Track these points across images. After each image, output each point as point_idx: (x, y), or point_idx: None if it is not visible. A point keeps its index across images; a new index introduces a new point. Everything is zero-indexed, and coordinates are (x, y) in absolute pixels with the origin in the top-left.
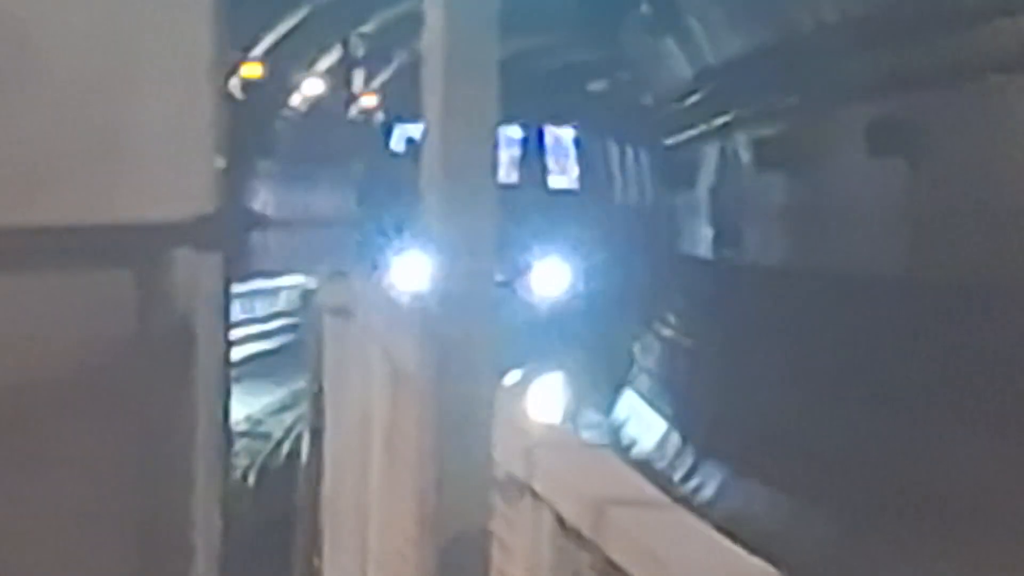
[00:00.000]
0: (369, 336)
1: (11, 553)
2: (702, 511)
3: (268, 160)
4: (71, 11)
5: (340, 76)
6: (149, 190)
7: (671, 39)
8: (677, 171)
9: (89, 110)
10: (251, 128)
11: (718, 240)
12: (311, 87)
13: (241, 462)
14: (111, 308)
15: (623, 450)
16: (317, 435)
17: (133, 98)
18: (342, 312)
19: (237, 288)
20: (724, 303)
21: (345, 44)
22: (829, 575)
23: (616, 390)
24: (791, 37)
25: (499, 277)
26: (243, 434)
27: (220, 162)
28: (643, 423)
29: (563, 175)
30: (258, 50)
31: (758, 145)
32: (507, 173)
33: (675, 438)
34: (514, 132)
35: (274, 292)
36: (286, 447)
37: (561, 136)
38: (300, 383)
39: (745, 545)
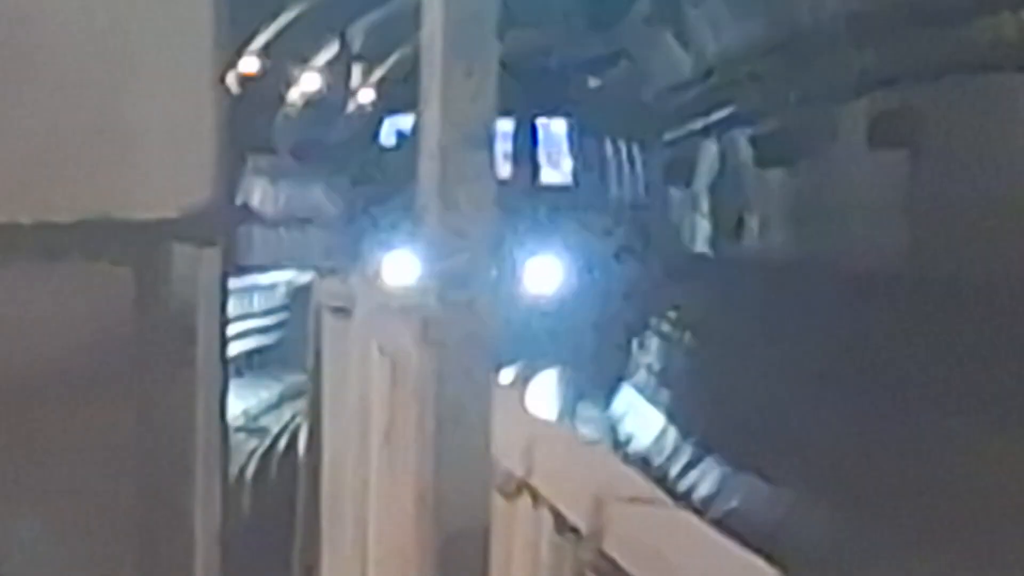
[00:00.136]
0: (367, 333)
1: (8, 548)
2: (700, 507)
3: (265, 155)
4: (67, 7)
5: (338, 71)
6: (147, 185)
7: (671, 33)
8: (676, 166)
9: (87, 105)
10: (248, 123)
11: (717, 235)
12: (309, 82)
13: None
14: (109, 303)
15: (620, 445)
16: (315, 431)
17: (131, 93)
18: (340, 309)
19: (235, 283)
20: (723, 298)
21: (343, 39)
22: (828, 573)
23: (614, 386)
24: (791, 31)
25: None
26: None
27: (219, 157)
28: (641, 418)
29: (555, 170)
30: (256, 45)
31: (758, 139)
32: (498, 168)
33: (673, 433)
34: (504, 125)
35: (270, 288)
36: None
37: (553, 130)
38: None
39: (743, 542)
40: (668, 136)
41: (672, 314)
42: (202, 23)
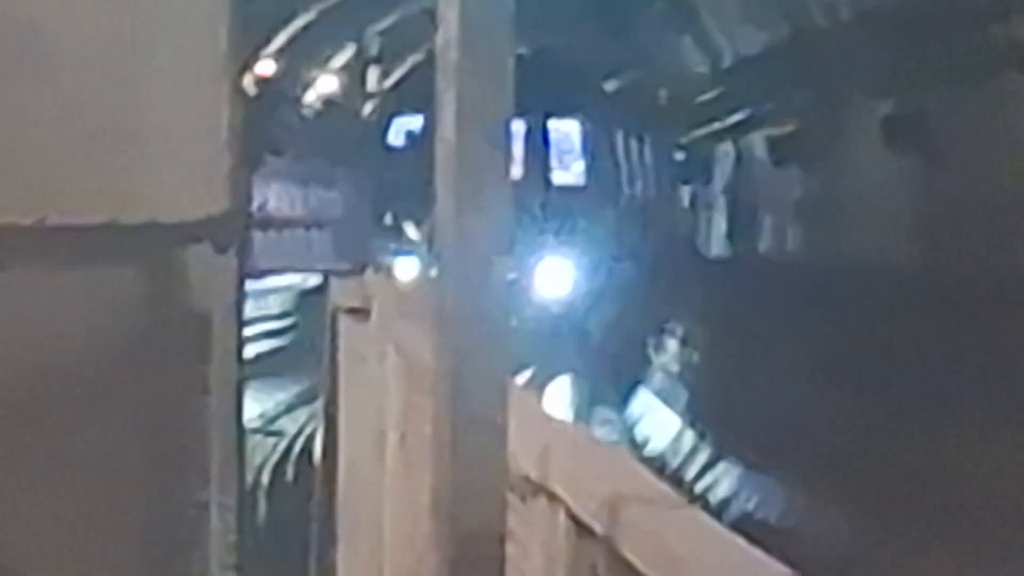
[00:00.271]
0: (384, 334)
1: (21, 550)
2: (716, 509)
3: (280, 158)
4: (82, 8)
5: (354, 74)
6: (163, 188)
7: (687, 36)
8: (692, 167)
9: (102, 108)
10: (264, 126)
11: (733, 236)
12: (325, 84)
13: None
14: (124, 307)
15: (637, 447)
16: (331, 433)
17: (146, 96)
18: (356, 310)
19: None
20: (739, 299)
21: (359, 42)
22: (844, 575)
23: (630, 388)
24: (807, 33)
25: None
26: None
27: (234, 160)
28: (657, 420)
29: (567, 170)
30: (272, 47)
31: (774, 141)
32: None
33: (690, 435)
34: (516, 126)
35: (285, 290)
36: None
37: (565, 130)
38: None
39: (759, 543)
40: (684, 138)
41: (689, 315)
42: (218, 26)
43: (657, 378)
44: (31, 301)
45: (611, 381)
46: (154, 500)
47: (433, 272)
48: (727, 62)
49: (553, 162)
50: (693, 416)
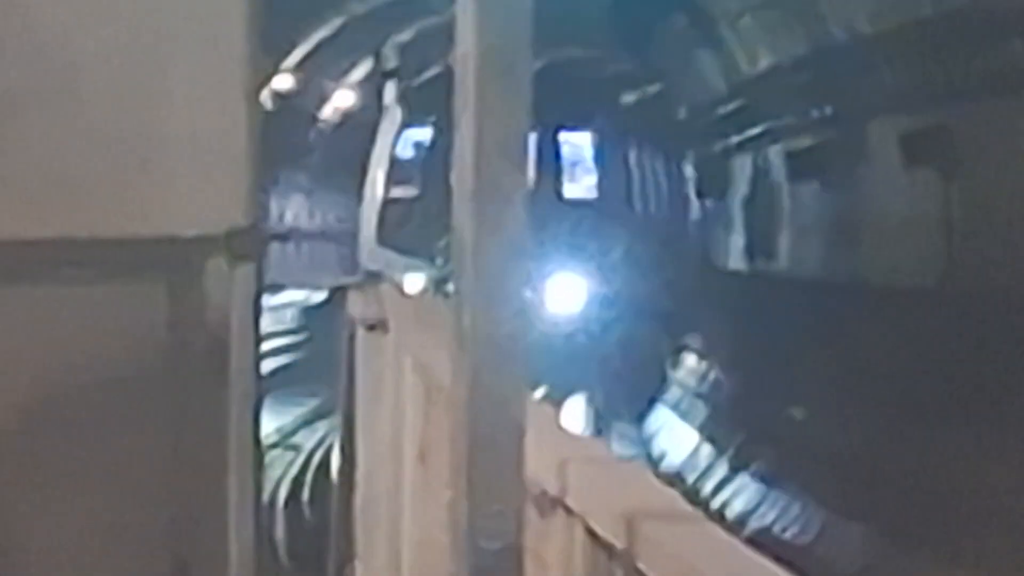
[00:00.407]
0: (402, 349)
1: (43, 564)
2: (733, 525)
3: (299, 172)
4: (105, 26)
5: (372, 88)
6: (183, 203)
7: (705, 49)
8: (708, 182)
9: (124, 124)
10: (282, 140)
11: (751, 252)
12: (343, 99)
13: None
14: (144, 320)
15: (653, 462)
16: (348, 448)
17: (167, 111)
18: (373, 324)
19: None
20: (757, 314)
21: (377, 56)
22: None
23: (647, 404)
24: (825, 48)
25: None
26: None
27: (253, 174)
28: (674, 435)
29: (578, 184)
30: (290, 62)
31: (792, 156)
32: None
33: (706, 450)
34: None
35: (300, 304)
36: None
37: (577, 143)
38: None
39: (777, 559)
40: (701, 152)
41: (706, 331)
42: (238, 42)
43: (674, 393)
44: (48, 314)
45: (628, 396)
46: (172, 512)
47: (449, 287)
48: (745, 76)
49: (566, 174)
50: (710, 431)
